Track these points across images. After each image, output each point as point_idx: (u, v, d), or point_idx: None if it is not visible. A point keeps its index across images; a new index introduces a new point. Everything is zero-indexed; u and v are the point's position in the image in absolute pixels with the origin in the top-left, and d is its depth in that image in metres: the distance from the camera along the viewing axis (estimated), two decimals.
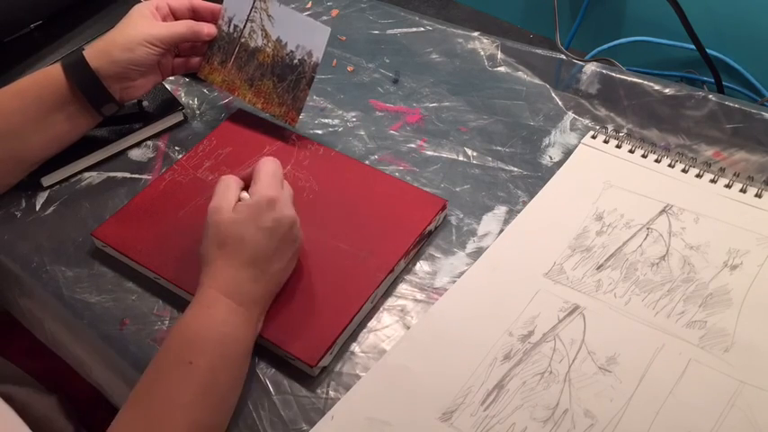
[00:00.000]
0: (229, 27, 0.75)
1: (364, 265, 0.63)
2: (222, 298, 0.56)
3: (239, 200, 0.60)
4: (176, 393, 0.52)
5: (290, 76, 0.73)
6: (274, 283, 0.60)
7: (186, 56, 0.77)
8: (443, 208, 0.68)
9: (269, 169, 0.60)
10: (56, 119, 0.70)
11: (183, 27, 0.72)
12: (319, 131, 0.79)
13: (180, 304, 0.64)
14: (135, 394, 0.54)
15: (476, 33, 0.88)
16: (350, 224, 0.67)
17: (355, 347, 0.61)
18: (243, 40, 0.74)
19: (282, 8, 0.72)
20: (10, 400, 0.74)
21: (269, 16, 0.73)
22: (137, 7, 0.71)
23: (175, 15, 0.73)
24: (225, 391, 0.55)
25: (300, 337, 0.59)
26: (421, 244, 0.67)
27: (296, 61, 0.72)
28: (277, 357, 0.60)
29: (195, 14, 0.74)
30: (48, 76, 0.70)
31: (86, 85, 0.69)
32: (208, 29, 0.74)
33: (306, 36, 0.71)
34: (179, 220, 0.69)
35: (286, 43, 0.73)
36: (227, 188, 0.60)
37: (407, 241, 0.65)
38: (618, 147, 0.73)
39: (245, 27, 0.74)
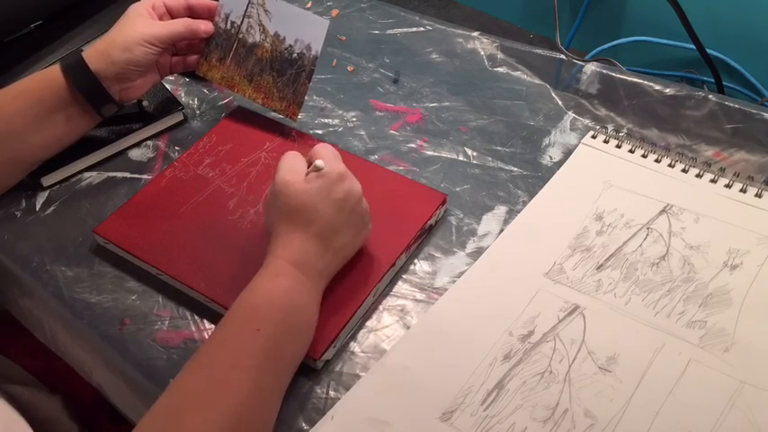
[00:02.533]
0: (226, 23, 0.75)
1: (366, 260, 0.64)
2: (290, 268, 0.56)
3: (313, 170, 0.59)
4: (241, 357, 0.52)
5: (289, 70, 0.73)
6: (341, 256, 0.60)
7: (184, 54, 0.77)
8: (444, 202, 0.68)
9: (329, 151, 0.60)
10: (55, 120, 0.70)
11: (180, 25, 0.72)
12: (319, 131, 0.79)
13: (181, 302, 0.65)
14: (198, 356, 0.53)
15: (476, 33, 0.88)
16: None
17: (355, 347, 0.61)
18: (240, 35, 0.74)
19: (279, 2, 0.72)
20: (14, 401, 0.74)
21: (266, 11, 0.73)
22: (133, 7, 0.71)
23: (172, 14, 0.73)
24: (289, 358, 0.55)
25: None
26: (421, 238, 0.67)
27: (295, 55, 0.72)
28: None
29: (191, 12, 0.74)
30: (47, 77, 0.70)
31: (86, 86, 0.69)
32: (205, 26, 0.74)
33: (304, 29, 0.72)
34: (180, 217, 0.69)
35: (284, 37, 0.73)
36: (295, 162, 0.60)
37: (408, 236, 0.65)
38: (618, 147, 0.73)
39: (242, 23, 0.74)
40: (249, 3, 0.73)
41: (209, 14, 0.75)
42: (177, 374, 0.53)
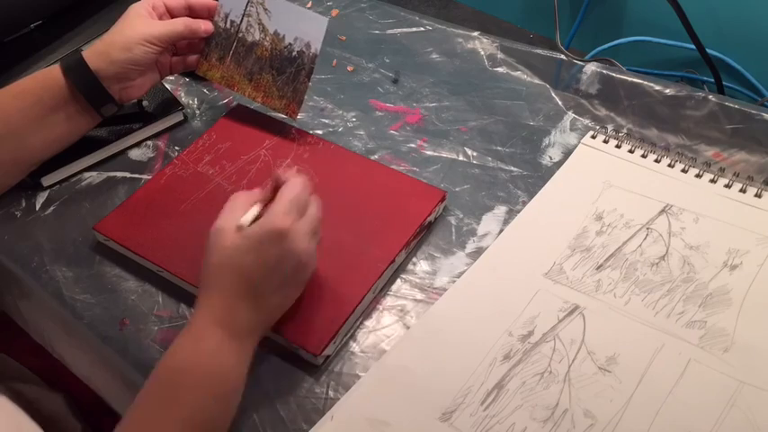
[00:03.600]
0: (226, 23, 0.75)
1: (366, 257, 0.64)
2: (214, 329, 0.53)
3: (257, 217, 0.55)
4: (163, 429, 0.50)
5: (289, 68, 0.73)
6: (273, 315, 0.57)
7: (184, 54, 0.77)
8: (443, 199, 0.68)
9: (290, 193, 0.55)
10: (55, 120, 0.70)
11: (180, 25, 0.72)
12: (319, 131, 0.79)
13: (181, 301, 0.65)
14: (122, 426, 0.51)
15: (476, 33, 0.88)
16: (350, 216, 0.67)
17: (355, 347, 0.61)
18: (240, 35, 0.74)
19: (279, 1, 0.72)
20: (19, 398, 0.74)
21: (265, 9, 0.73)
22: (133, 7, 0.71)
23: (171, 13, 0.73)
24: (214, 427, 0.53)
25: (304, 327, 0.59)
26: (421, 235, 0.67)
27: (294, 53, 0.72)
28: (277, 356, 0.60)
29: (191, 12, 0.74)
30: (47, 77, 0.70)
31: (86, 86, 0.69)
32: (205, 25, 0.74)
33: (303, 27, 0.71)
34: (180, 214, 0.69)
35: (284, 36, 0.73)
36: (233, 209, 0.56)
37: (408, 232, 0.65)
38: (618, 147, 0.73)
39: (241, 22, 0.74)
40: (249, 2, 0.73)
41: (208, 14, 0.75)
42: None
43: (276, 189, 0.57)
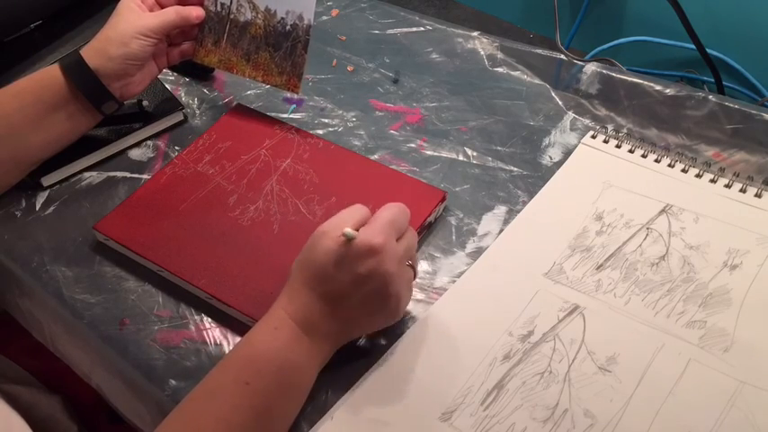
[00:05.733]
0: (216, 6, 0.75)
1: None
2: (290, 322, 0.54)
3: (348, 235, 0.53)
4: (230, 413, 0.51)
5: (285, 43, 0.73)
6: (351, 328, 0.56)
7: (178, 43, 0.77)
8: (443, 199, 0.68)
9: (387, 215, 0.55)
10: (56, 119, 0.70)
11: (172, 14, 0.72)
12: (320, 131, 0.79)
13: (181, 301, 0.65)
14: (184, 406, 0.52)
15: (476, 33, 0.88)
16: None
17: (355, 347, 0.61)
18: (232, 16, 0.74)
19: None
20: (13, 400, 0.74)
21: None
22: (123, 2, 0.71)
23: (161, 4, 0.73)
24: (279, 418, 0.53)
25: None
26: (421, 235, 0.67)
27: (288, 27, 0.72)
28: None
29: (181, 0, 0.74)
30: (46, 76, 0.70)
31: (86, 84, 0.69)
32: (196, 12, 0.74)
33: (293, 0, 0.71)
34: (181, 214, 0.69)
35: (275, 11, 0.73)
36: (345, 218, 0.55)
37: None
38: (618, 147, 0.73)
39: (231, 3, 0.74)
40: None
41: (198, 0, 0.75)
42: (160, 424, 0.51)
43: None
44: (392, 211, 0.55)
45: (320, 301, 0.54)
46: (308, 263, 0.55)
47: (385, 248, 0.53)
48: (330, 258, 0.53)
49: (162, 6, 0.73)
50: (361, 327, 0.57)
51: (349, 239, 0.53)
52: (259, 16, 0.73)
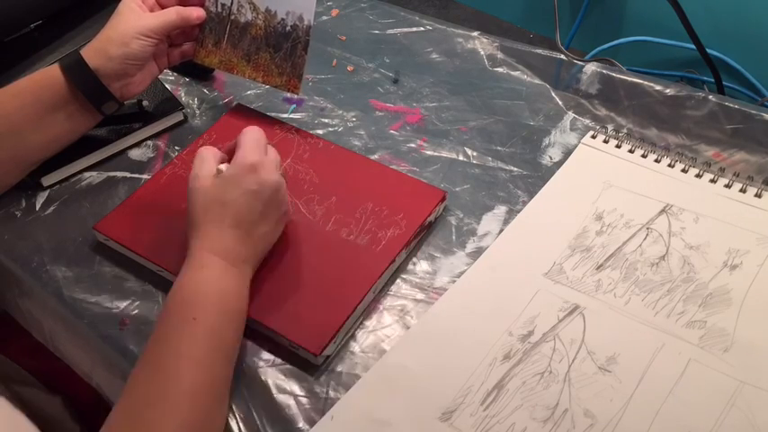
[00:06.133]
0: (217, 6, 0.75)
1: (366, 256, 0.64)
2: (214, 258, 0.58)
3: (218, 171, 0.61)
4: (187, 349, 0.53)
5: (285, 44, 0.73)
6: (262, 245, 0.61)
7: (179, 44, 0.77)
8: (443, 199, 0.68)
9: (251, 136, 0.61)
10: (55, 119, 0.70)
11: (172, 14, 0.72)
12: (320, 131, 0.79)
13: None
14: (144, 355, 0.54)
15: (476, 33, 0.88)
16: (351, 215, 0.67)
17: (355, 347, 0.61)
18: (232, 17, 0.74)
19: None
20: (17, 400, 0.74)
21: None
22: (123, 2, 0.71)
23: (161, 4, 0.73)
24: (231, 344, 0.57)
25: (304, 327, 0.59)
26: (421, 235, 0.67)
27: (288, 28, 0.72)
28: (277, 356, 0.60)
29: (181, 0, 0.74)
30: (46, 76, 0.70)
31: (86, 85, 0.69)
32: (197, 12, 0.74)
33: (294, 1, 0.72)
34: (180, 214, 0.68)
35: (275, 12, 0.73)
36: (204, 157, 0.61)
37: (408, 232, 0.65)
38: (618, 147, 0.73)
39: (232, 4, 0.74)
40: None
41: (199, 1, 0.75)
42: (128, 380, 0.54)
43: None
44: (252, 134, 0.61)
45: (230, 231, 0.59)
46: (204, 204, 0.59)
47: (263, 162, 0.60)
48: (217, 192, 0.59)
49: (162, 7, 0.73)
50: (271, 239, 0.63)
51: (219, 172, 0.60)
52: (259, 17, 0.73)
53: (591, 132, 0.75)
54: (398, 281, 0.65)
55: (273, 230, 0.62)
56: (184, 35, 0.77)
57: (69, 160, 0.75)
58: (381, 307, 0.63)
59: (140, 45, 0.69)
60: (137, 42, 0.69)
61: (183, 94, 0.84)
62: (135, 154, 0.78)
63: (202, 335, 0.54)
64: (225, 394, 0.55)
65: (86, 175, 0.76)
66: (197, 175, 0.60)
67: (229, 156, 0.62)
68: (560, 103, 0.80)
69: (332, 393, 0.58)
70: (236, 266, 0.58)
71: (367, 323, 0.62)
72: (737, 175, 0.69)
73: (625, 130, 0.76)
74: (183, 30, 0.75)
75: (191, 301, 0.56)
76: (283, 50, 0.73)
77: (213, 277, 0.57)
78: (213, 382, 0.54)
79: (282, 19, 0.72)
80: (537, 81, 0.82)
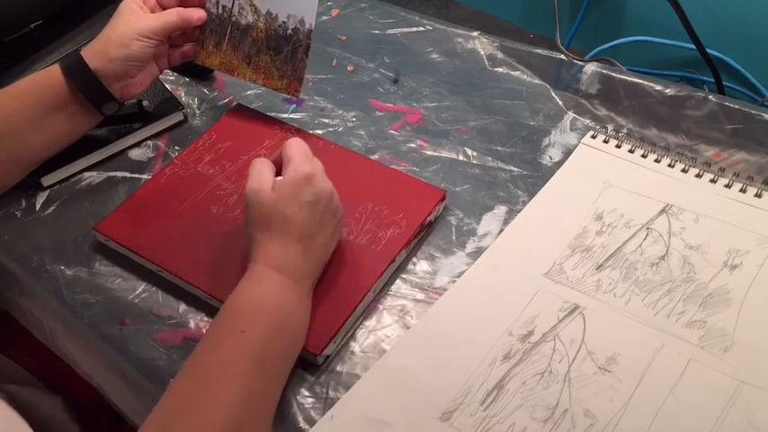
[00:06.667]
0: (218, 8, 0.75)
1: (366, 256, 0.64)
2: (273, 272, 0.57)
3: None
4: (230, 361, 0.52)
5: (286, 47, 0.73)
6: (321, 256, 0.61)
7: (179, 45, 0.77)
8: (443, 199, 0.69)
9: (299, 147, 0.60)
10: (56, 119, 0.70)
11: (173, 15, 0.72)
12: (319, 131, 0.79)
13: (181, 301, 0.65)
14: (188, 362, 0.54)
15: (476, 33, 0.88)
16: (350, 215, 0.67)
17: (355, 347, 0.61)
18: (233, 19, 0.74)
19: None
20: (14, 401, 0.74)
21: None
22: (124, 3, 0.71)
23: (162, 5, 0.73)
24: (278, 361, 0.55)
25: None
26: (421, 235, 0.67)
27: (289, 31, 0.72)
28: None
29: (182, 1, 0.74)
30: (47, 77, 0.70)
31: (86, 85, 0.69)
32: (197, 13, 0.74)
33: (295, 3, 0.71)
34: (181, 214, 0.69)
35: (276, 15, 0.73)
36: (262, 170, 0.60)
37: (408, 232, 0.65)
38: (618, 147, 0.73)
39: (233, 6, 0.74)
40: None
41: (200, 2, 0.75)
42: (170, 383, 0.53)
43: None
44: (299, 145, 0.61)
45: (291, 245, 0.58)
46: (263, 219, 0.58)
47: (315, 172, 0.59)
48: (279, 205, 0.58)
49: (163, 7, 0.73)
50: (329, 250, 0.62)
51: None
52: (260, 19, 0.73)
53: (591, 132, 0.75)
54: (398, 281, 0.65)
55: (331, 239, 0.62)
56: (185, 36, 0.77)
57: (69, 160, 0.75)
58: (381, 307, 0.63)
59: (140, 46, 0.69)
60: (137, 43, 0.69)
61: (183, 94, 0.84)
62: (135, 154, 0.78)
63: (247, 348, 0.53)
64: (265, 410, 0.54)
65: (86, 175, 0.76)
66: (258, 188, 0.58)
67: (276, 167, 0.61)
68: (560, 103, 0.80)
69: (332, 393, 0.58)
70: (295, 282, 0.57)
71: (367, 323, 0.62)
72: (737, 175, 0.69)
73: (625, 130, 0.76)
74: (184, 31, 0.75)
75: (242, 313, 0.55)
76: (284, 53, 0.73)
77: (270, 292, 0.56)
78: (251, 396, 0.52)
79: (284, 22, 0.72)
80: (537, 81, 0.82)
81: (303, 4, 0.71)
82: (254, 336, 0.53)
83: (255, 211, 0.58)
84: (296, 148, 0.60)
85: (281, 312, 0.56)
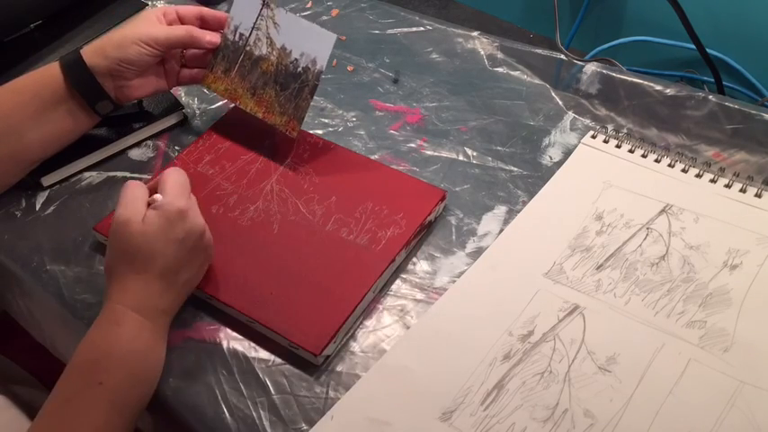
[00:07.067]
0: (235, 35, 0.74)
1: (366, 256, 0.64)
2: (131, 314, 0.56)
3: (148, 205, 0.58)
4: (87, 415, 0.52)
5: (293, 84, 0.72)
6: (183, 291, 0.60)
7: (191, 67, 0.76)
8: (443, 199, 0.69)
9: (176, 179, 0.60)
10: (54, 116, 0.70)
11: (181, 31, 0.71)
12: (319, 131, 0.79)
13: None
14: (44, 416, 0.53)
15: (476, 33, 0.88)
16: (350, 215, 0.67)
17: (355, 347, 0.61)
18: (248, 48, 0.74)
19: (289, 15, 0.71)
20: (15, 400, 0.74)
21: (275, 24, 0.72)
22: (145, 11, 0.72)
23: (183, 22, 0.73)
24: (136, 407, 0.55)
25: (304, 327, 0.59)
26: (421, 234, 0.67)
27: (299, 69, 0.71)
28: (277, 356, 0.60)
29: (203, 23, 0.74)
30: (45, 73, 0.70)
31: (82, 82, 0.69)
32: (210, 37, 0.73)
33: (311, 43, 0.70)
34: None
35: (290, 51, 0.72)
36: (135, 196, 0.58)
37: (408, 231, 0.65)
38: (618, 146, 0.73)
39: (250, 35, 0.74)
40: (259, 15, 0.73)
41: (219, 26, 0.74)
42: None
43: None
44: (176, 176, 0.60)
45: (155, 281, 0.57)
46: (127, 253, 0.57)
47: (189, 207, 0.58)
48: (147, 239, 0.56)
49: (183, 23, 0.73)
50: (192, 284, 0.61)
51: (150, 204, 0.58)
52: (274, 53, 0.72)
53: (591, 132, 0.75)
54: (398, 281, 0.65)
55: (196, 275, 0.61)
56: (197, 60, 0.76)
57: (69, 160, 0.75)
58: (381, 307, 0.63)
59: (137, 51, 0.69)
60: (135, 47, 0.69)
61: (183, 95, 0.84)
62: (135, 154, 0.78)
63: (106, 401, 0.53)
64: None
65: (86, 175, 0.76)
66: (128, 219, 0.57)
67: (151, 192, 0.60)
68: (560, 103, 0.80)
69: (332, 393, 0.58)
70: (153, 321, 0.57)
71: (367, 323, 0.62)
72: (737, 175, 0.69)
73: (625, 130, 0.76)
74: (196, 54, 0.75)
75: (98, 361, 0.54)
76: (289, 90, 0.72)
77: (127, 337, 0.55)
78: None
79: (296, 59, 0.71)
80: (537, 81, 0.82)
81: (318, 45, 0.70)
82: (111, 386, 0.53)
83: (121, 244, 0.57)
84: (174, 180, 0.59)
85: (138, 358, 0.55)
